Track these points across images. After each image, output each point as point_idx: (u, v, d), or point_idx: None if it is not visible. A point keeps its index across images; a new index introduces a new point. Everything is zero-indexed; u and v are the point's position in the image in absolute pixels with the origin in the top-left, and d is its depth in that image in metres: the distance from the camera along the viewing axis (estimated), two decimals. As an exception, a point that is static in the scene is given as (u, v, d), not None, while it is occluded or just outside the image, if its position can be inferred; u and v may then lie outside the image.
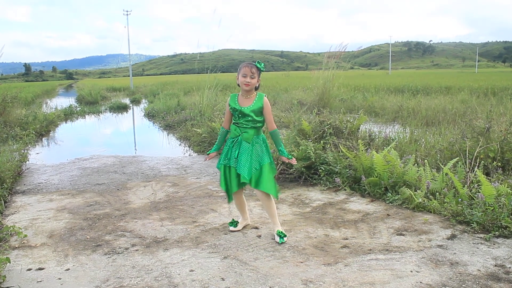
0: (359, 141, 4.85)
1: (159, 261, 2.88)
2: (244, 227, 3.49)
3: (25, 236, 3.32)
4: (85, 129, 12.06)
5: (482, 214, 3.31)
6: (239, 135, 3.16)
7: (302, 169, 4.86)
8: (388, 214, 3.74)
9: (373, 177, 4.32)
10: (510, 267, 2.65)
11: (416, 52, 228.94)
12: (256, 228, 3.51)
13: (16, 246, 3.20)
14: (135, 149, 8.28)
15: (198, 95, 11.21)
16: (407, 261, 2.79)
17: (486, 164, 4.45)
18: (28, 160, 6.64)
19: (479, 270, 2.63)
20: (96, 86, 31.26)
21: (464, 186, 3.87)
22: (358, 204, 4.08)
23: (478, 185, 3.85)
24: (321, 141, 5.36)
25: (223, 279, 2.60)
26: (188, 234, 3.40)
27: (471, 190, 3.83)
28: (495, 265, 2.69)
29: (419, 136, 6.28)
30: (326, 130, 5.60)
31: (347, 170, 4.66)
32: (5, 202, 4.37)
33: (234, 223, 3.48)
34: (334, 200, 4.25)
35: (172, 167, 6.05)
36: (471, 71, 64.07)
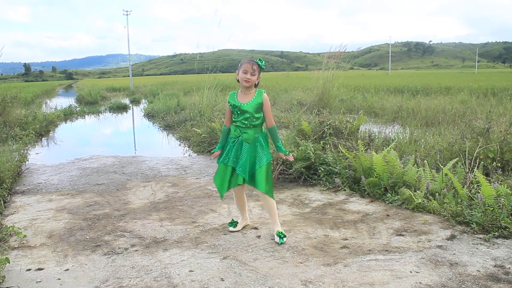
0: (358, 141, 4.85)
1: (158, 262, 2.88)
2: (243, 227, 3.49)
3: (25, 236, 3.32)
4: (85, 129, 12.06)
5: (481, 215, 3.31)
6: (239, 136, 3.16)
7: (302, 169, 4.86)
8: (387, 215, 3.74)
9: (373, 178, 4.32)
10: (509, 268, 2.65)
11: (416, 52, 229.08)
12: (256, 228, 3.51)
13: (16, 246, 3.20)
14: (135, 149, 8.28)
15: (198, 95, 11.21)
16: (406, 261, 2.79)
17: (485, 165, 4.45)
18: (28, 160, 6.63)
19: (478, 271, 2.63)
20: (95, 86, 31.25)
21: (463, 187, 3.87)
22: (358, 205, 4.08)
23: (478, 185, 3.85)
24: (321, 142, 5.37)
25: (222, 280, 2.59)
26: (187, 235, 3.39)
27: (470, 190, 3.83)
28: (495, 266, 2.69)
29: (418, 136, 6.28)
30: (325, 130, 5.60)
31: (346, 170, 4.66)
32: (4, 202, 4.37)
33: (233, 223, 3.47)
34: (334, 200, 4.25)
35: (172, 167, 6.05)
36: (470, 72, 64.13)
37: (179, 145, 8.31)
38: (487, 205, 3.41)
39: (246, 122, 3.13)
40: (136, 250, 3.09)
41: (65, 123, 12.79)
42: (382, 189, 4.24)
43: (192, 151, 7.47)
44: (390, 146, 4.89)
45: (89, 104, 18.97)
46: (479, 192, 3.62)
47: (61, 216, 3.93)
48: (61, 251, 3.11)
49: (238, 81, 3.16)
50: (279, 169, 5.01)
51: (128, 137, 10.38)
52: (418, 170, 4.29)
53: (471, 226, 3.31)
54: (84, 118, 14.38)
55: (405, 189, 4.01)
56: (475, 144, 4.78)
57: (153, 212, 4.01)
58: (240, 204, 3.45)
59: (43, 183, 5.25)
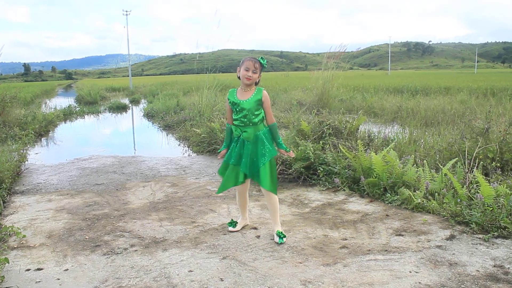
0: (358, 141, 4.85)
1: (158, 262, 2.88)
2: (243, 227, 3.49)
3: (24, 236, 3.32)
4: (84, 129, 12.05)
5: (481, 215, 3.32)
6: (240, 135, 3.17)
7: (301, 169, 4.86)
8: (387, 215, 3.74)
9: (372, 178, 4.32)
10: (509, 268, 2.65)
11: (415, 52, 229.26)
12: (255, 228, 3.51)
13: (15, 246, 3.20)
14: (134, 149, 8.27)
15: (197, 95, 11.21)
16: (406, 261, 2.79)
17: (485, 165, 4.46)
18: (27, 160, 6.63)
19: (478, 271, 2.63)
20: (95, 86, 31.24)
21: (463, 187, 3.87)
22: (357, 205, 4.08)
23: (477, 185, 3.85)
24: (320, 142, 5.37)
25: (222, 280, 2.59)
26: (187, 235, 3.39)
27: (470, 190, 3.83)
28: (494, 266, 2.69)
29: (418, 136, 6.28)
30: (325, 130, 5.60)
31: (346, 170, 4.66)
32: (4, 202, 4.36)
33: (233, 223, 3.47)
34: (333, 200, 4.25)
35: (171, 167, 6.05)
36: (470, 72, 64.16)
37: (179, 145, 8.31)
38: (486, 205, 3.41)
39: (245, 119, 3.13)
40: (135, 250, 3.09)
41: (65, 123, 12.78)
42: (381, 189, 4.24)
43: (191, 151, 7.46)
44: (389, 146, 4.89)
45: (89, 104, 18.96)
46: (478, 192, 3.62)
47: (60, 216, 3.93)
48: (61, 251, 3.11)
49: (239, 78, 3.16)
50: (279, 169, 5.00)
51: (127, 137, 10.38)
52: (417, 170, 4.29)
53: (470, 226, 3.31)
54: (84, 118, 14.37)
55: (405, 189, 4.01)
56: (474, 144, 4.78)
57: (152, 212, 4.00)
58: (242, 203, 3.45)
59: (43, 183, 5.25)
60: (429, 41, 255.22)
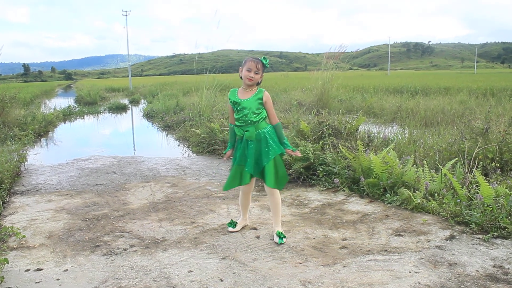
0: (358, 141, 4.85)
1: (157, 262, 2.88)
2: (242, 227, 3.49)
3: (24, 236, 3.32)
4: (84, 129, 12.05)
5: (480, 215, 3.32)
6: (243, 135, 3.17)
7: (301, 169, 4.86)
8: (386, 215, 3.74)
9: (372, 178, 4.33)
10: (508, 268, 2.66)
11: (415, 52, 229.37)
12: (255, 229, 3.51)
13: (15, 246, 3.20)
14: (134, 150, 8.27)
15: (197, 95, 11.21)
16: (405, 261, 2.79)
17: (484, 165, 4.46)
18: (27, 161, 6.62)
19: (477, 271, 2.63)
20: (95, 86, 31.24)
21: (462, 187, 3.87)
22: (357, 205, 4.08)
23: (477, 186, 3.85)
24: (320, 142, 5.37)
25: (221, 280, 2.59)
26: (186, 235, 3.39)
27: (469, 191, 3.84)
28: (494, 266, 2.69)
29: (418, 137, 6.28)
30: (325, 130, 5.60)
31: (346, 170, 4.67)
32: (3, 202, 4.36)
33: (232, 223, 3.47)
34: (333, 200, 4.25)
35: (171, 168, 6.05)
36: (470, 72, 64.19)
37: (178, 145, 8.31)
38: (486, 205, 3.41)
39: (246, 119, 3.13)
40: (135, 251, 3.09)
41: (64, 123, 12.78)
42: (381, 190, 4.24)
43: (191, 152, 7.46)
44: (389, 147, 4.89)
45: (88, 105, 18.96)
46: (478, 192, 3.62)
47: (60, 217, 3.93)
48: (60, 251, 3.10)
49: (241, 78, 3.17)
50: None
51: (127, 137, 10.38)
52: (417, 171, 4.29)
53: (470, 226, 3.31)
54: (83, 118, 14.37)
55: (404, 189, 4.02)
56: (474, 144, 4.78)
57: (152, 213, 4.00)
58: (245, 203, 3.45)
59: (42, 184, 5.25)
60: (429, 42, 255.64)
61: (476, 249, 2.97)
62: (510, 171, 4.45)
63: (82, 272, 2.76)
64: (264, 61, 3.12)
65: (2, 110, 9.58)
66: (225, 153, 3.44)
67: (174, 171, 5.86)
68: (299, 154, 3.34)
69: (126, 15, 38.77)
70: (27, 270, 2.79)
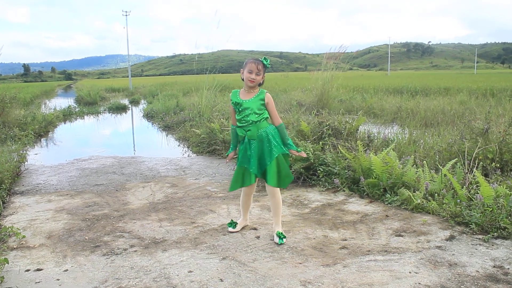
0: (358, 142, 4.85)
1: (157, 262, 2.88)
2: (242, 228, 3.49)
3: (24, 237, 3.32)
4: (84, 129, 12.05)
5: (480, 215, 3.32)
6: (245, 136, 3.17)
7: (301, 170, 4.87)
8: (387, 215, 3.74)
9: (372, 178, 4.32)
10: (508, 268, 2.66)
11: (415, 53, 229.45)
12: (255, 229, 3.51)
13: (15, 247, 3.20)
14: (134, 150, 8.27)
15: (197, 95, 11.21)
16: (405, 262, 2.79)
17: (484, 165, 4.46)
18: (27, 161, 6.63)
19: (477, 271, 2.63)
20: (95, 86, 31.23)
21: (462, 187, 3.87)
22: (357, 205, 4.08)
23: (477, 186, 3.85)
24: (320, 142, 5.37)
25: (221, 280, 2.59)
26: (186, 235, 3.39)
27: (469, 191, 3.84)
28: (494, 266, 2.69)
29: (418, 137, 6.28)
30: (325, 131, 5.60)
31: (346, 171, 4.67)
32: (3, 202, 4.36)
33: (232, 224, 3.47)
34: (333, 201, 4.25)
35: (171, 168, 6.05)
36: (470, 72, 64.17)
37: (178, 145, 8.31)
38: (486, 206, 3.41)
39: (248, 119, 3.13)
40: (135, 251, 3.09)
41: (64, 123, 12.78)
42: (381, 190, 4.24)
43: (191, 152, 7.46)
44: (389, 147, 4.89)
45: (88, 105, 18.96)
46: (478, 193, 3.62)
47: (60, 217, 3.93)
48: (60, 251, 3.10)
49: (242, 79, 3.17)
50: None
51: (127, 137, 10.38)
52: (417, 171, 4.29)
53: (470, 226, 3.31)
54: (83, 118, 14.37)
55: (404, 189, 4.02)
56: (474, 144, 4.78)
57: (152, 213, 4.00)
58: (245, 203, 3.45)
59: (42, 184, 5.25)
60: (429, 42, 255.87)
61: (476, 249, 2.97)
62: (510, 172, 4.45)
63: (82, 272, 2.76)
64: (265, 62, 3.12)
65: (2, 110, 9.58)
66: (227, 155, 3.44)
67: (174, 171, 5.86)
68: (304, 155, 3.32)
69: (126, 15, 38.81)
70: (27, 270, 2.79)
